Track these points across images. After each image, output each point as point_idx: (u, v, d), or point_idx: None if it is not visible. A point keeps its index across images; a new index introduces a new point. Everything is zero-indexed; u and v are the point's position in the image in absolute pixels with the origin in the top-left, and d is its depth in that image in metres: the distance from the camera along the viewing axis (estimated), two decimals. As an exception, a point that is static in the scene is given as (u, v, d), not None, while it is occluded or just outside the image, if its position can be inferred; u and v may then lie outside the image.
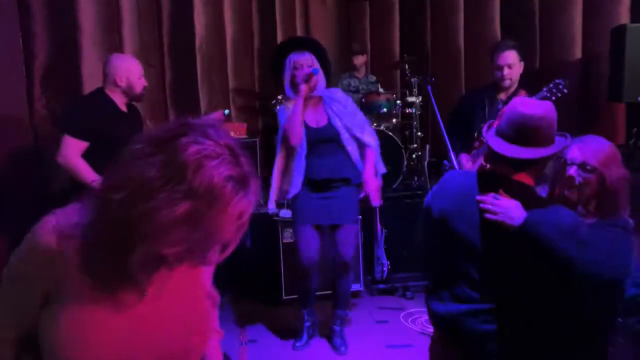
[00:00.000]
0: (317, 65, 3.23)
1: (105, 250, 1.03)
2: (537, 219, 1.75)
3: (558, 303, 1.82)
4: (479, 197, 1.84)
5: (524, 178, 1.85)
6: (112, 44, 4.59)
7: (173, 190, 0.95)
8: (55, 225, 1.06)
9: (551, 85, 3.41)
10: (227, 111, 3.56)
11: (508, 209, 1.78)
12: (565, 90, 3.39)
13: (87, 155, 3.12)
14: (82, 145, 3.11)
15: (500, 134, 1.87)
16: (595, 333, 1.88)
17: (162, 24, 4.94)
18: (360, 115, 3.37)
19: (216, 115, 3.53)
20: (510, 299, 1.83)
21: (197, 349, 1.21)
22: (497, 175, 1.88)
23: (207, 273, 1.26)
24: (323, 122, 3.30)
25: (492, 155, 1.89)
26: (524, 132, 1.82)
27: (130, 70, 3.27)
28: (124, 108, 3.31)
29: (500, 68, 3.54)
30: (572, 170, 1.88)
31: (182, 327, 1.15)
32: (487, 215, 1.80)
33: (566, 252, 1.72)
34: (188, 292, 1.19)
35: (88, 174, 3.07)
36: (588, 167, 1.86)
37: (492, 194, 1.83)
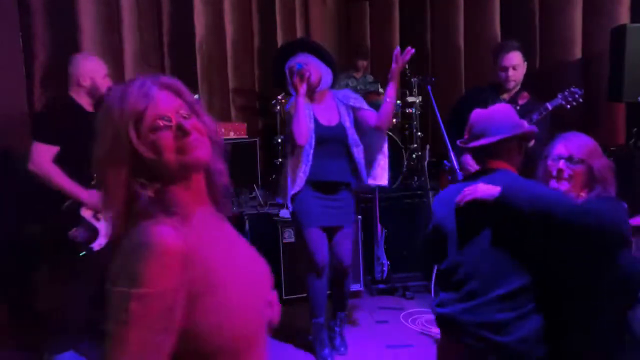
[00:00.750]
0: (309, 61, 3.22)
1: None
2: (514, 187, 1.91)
3: (559, 280, 1.88)
4: (457, 199, 2.03)
5: (500, 164, 2.07)
6: (112, 44, 4.59)
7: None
8: (163, 224, 1.06)
9: (566, 92, 3.37)
10: (197, 96, 3.57)
11: (481, 188, 1.95)
12: (581, 100, 3.37)
13: (59, 161, 3.10)
14: (53, 150, 3.10)
15: (470, 138, 2.14)
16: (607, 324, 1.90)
17: (162, 24, 4.93)
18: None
19: None
20: (512, 281, 1.90)
21: (269, 275, 1.28)
22: (479, 171, 2.12)
23: None
24: (334, 121, 3.29)
25: (473, 154, 2.17)
26: (474, 128, 2.11)
27: (94, 70, 3.26)
28: (90, 108, 3.29)
29: (505, 69, 3.52)
30: (560, 164, 2.03)
31: (253, 253, 1.27)
32: (466, 198, 1.97)
33: (551, 212, 1.81)
34: (245, 242, 1.30)
35: (61, 180, 3.08)
36: (575, 160, 2.02)
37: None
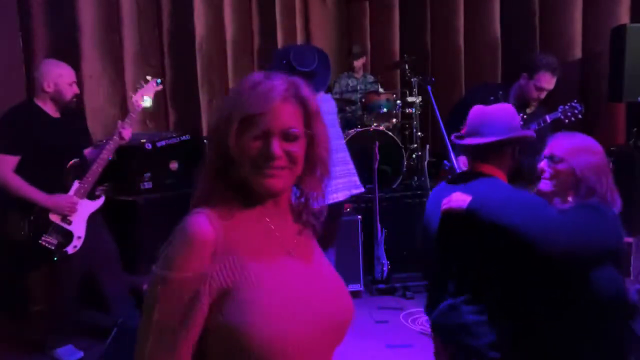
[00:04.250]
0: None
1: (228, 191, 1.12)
2: (482, 198, 1.84)
3: (530, 286, 1.82)
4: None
5: (488, 169, 1.98)
6: (112, 44, 4.60)
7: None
8: (206, 215, 1.08)
9: (567, 107, 3.33)
10: (159, 80, 3.57)
11: (455, 197, 1.89)
12: (580, 116, 3.33)
13: (22, 169, 3.11)
14: (13, 160, 3.10)
15: (463, 135, 2.06)
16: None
17: (162, 24, 4.93)
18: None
19: (150, 85, 3.52)
20: (482, 289, 1.87)
21: (351, 311, 1.21)
22: (463, 173, 2.07)
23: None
24: None
25: (464, 152, 2.13)
26: (470, 125, 2.03)
27: (60, 76, 3.23)
28: (56, 114, 3.28)
29: (541, 90, 3.40)
30: (542, 163, 1.96)
31: (336, 285, 1.21)
32: (442, 207, 1.93)
33: (513, 222, 1.73)
34: (323, 261, 1.25)
35: (23, 188, 3.08)
36: (556, 159, 1.93)
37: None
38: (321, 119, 1.16)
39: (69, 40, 4.33)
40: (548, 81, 3.40)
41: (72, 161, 3.27)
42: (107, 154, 3.28)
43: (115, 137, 3.33)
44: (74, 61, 4.31)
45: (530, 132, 2.07)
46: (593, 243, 1.74)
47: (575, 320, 1.80)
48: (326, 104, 3.38)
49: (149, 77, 3.56)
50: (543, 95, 3.45)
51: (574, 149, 1.92)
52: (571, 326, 1.80)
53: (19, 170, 3.11)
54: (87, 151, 3.44)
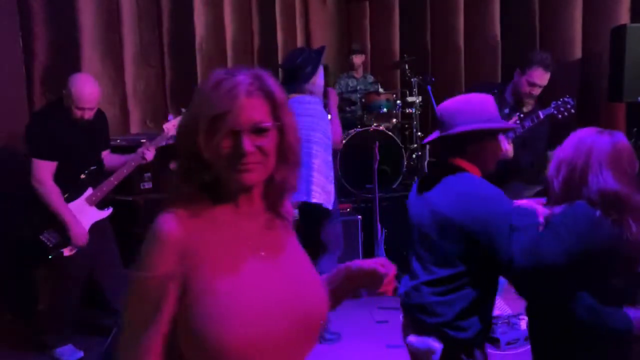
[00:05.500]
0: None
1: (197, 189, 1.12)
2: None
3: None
4: None
5: (460, 162, 1.89)
6: (112, 44, 4.59)
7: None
8: (175, 215, 1.10)
9: (559, 102, 3.33)
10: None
11: None
12: (573, 111, 3.32)
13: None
14: (52, 166, 3.17)
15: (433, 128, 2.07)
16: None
17: (162, 24, 4.93)
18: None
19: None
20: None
21: (324, 309, 1.20)
22: (435, 167, 2.01)
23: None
24: None
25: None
26: (437, 122, 1.97)
27: (89, 99, 3.22)
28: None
29: (533, 85, 3.40)
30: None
31: (308, 282, 1.20)
32: None
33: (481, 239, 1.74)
34: (298, 256, 1.24)
35: (58, 204, 3.15)
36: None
37: None
38: (288, 109, 1.15)
39: (69, 40, 4.33)
40: (540, 77, 3.40)
41: (90, 168, 3.32)
42: (126, 170, 3.35)
43: (137, 157, 3.36)
44: (74, 61, 4.32)
45: (510, 124, 2.02)
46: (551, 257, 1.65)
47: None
48: (306, 106, 3.26)
49: (183, 109, 3.63)
50: (535, 91, 3.43)
51: (571, 145, 1.87)
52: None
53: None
54: (105, 155, 3.48)
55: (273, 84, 1.13)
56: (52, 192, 3.15)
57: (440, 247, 1.86)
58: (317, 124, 3.27)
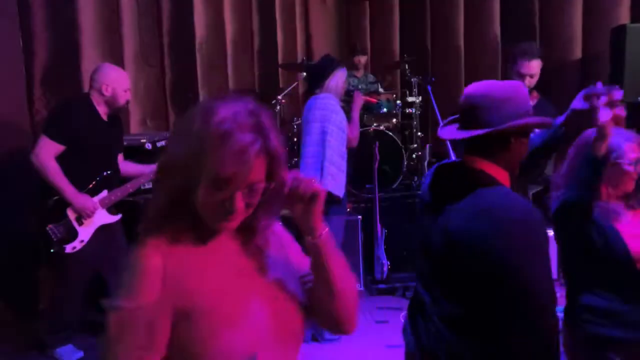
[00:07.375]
0: None
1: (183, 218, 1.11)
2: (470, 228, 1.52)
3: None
4: None
5: (482, 163, 1.60)
6: (112, 44, 4.59)
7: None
8: (153, 244, 1.10)
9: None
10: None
11: None
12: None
13: (61, 159, 3.18)
14: (58, 148, 3.17)
15: (453, 120, 1.75)
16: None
17: (162, 24, 4.93)
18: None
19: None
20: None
21: (299, 331, 1.23)
22: (452, 164, 1.76)
23: (296, 251, 1.30)
24: None
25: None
26: (462, 112, 1.65)
27: (118, 82, 3.31)
28: (104, 117, 3.37)
29: (522, 76, 3.41)
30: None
31: (284, 303, 1.20)
32: None
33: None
34: (277, 275, 1.23)
35: (57, 177, 3.14)
36: None
37: None
38: (283, 161, 1.12)
39: (69, 40, 4.32)
40: (526, 66, 3.43)
41: (108, 172, 3.34)
42: (143, 180, 3.43)
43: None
44: (74, 61, 4.32)
45: (541, 119, 1.69)
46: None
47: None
48: (321, 101, 3.58)
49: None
50: (526, 81, 3.47)
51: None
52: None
53: (57, 159, 3.17)
54: (120, 161, 3.52)
55: (274, 137, 1.10)
56: (49, 167, 3.13)
57: None
58: (330, 117, 3.52)
